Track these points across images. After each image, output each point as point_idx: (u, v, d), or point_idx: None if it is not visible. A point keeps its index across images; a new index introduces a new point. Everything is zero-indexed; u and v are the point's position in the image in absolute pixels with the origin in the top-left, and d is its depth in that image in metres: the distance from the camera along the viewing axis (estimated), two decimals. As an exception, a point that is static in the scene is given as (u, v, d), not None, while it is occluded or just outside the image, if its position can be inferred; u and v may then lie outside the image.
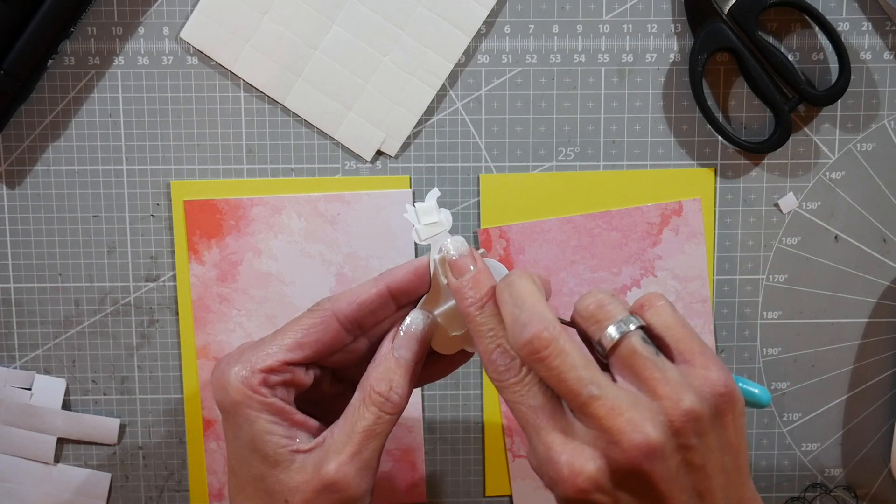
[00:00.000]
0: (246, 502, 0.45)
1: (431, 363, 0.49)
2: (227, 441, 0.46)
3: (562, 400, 0.41)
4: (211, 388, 0.46)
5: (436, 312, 0.47)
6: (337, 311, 0.46)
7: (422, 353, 0.47)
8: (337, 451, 0.44)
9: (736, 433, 0.41)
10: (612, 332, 0.41)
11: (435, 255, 0.46)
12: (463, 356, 0.49)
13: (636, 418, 0.38)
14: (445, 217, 0.47)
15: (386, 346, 0.46)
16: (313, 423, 0.46)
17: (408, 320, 0.47)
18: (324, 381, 0.48)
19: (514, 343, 0.40)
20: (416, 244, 0.57)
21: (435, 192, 0.48)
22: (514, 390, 0.41)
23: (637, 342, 0.40)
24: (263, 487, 0.44)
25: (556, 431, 0.40)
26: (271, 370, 0.44)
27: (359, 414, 0.45)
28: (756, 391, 0.44)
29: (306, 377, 0.46)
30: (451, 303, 0.47)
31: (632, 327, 0.41)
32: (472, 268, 0.44)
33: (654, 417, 0.39)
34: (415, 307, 0.47)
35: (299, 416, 0.45)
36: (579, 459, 0.39)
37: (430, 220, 0.47)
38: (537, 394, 0.41)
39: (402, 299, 0.47)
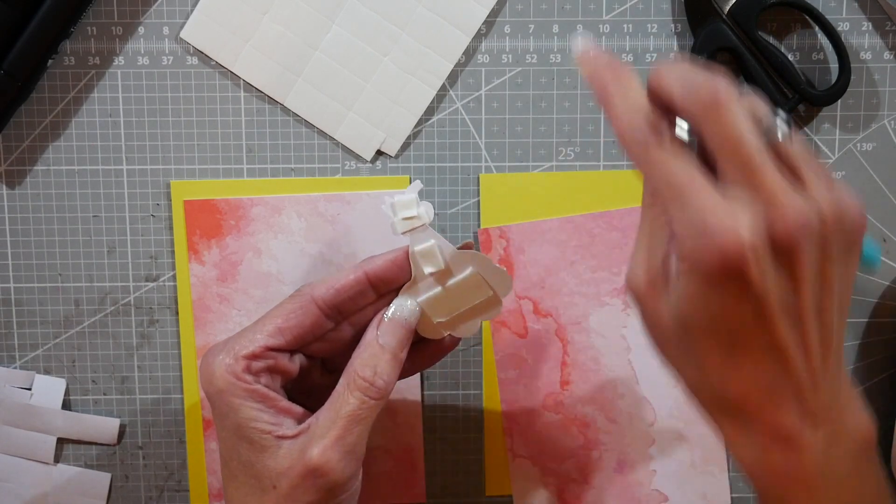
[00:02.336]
0: (238, 490, 0.46)
1: (419, 350, 0.50)
2: (217, 430, 0.46)
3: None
4: (199, 378, 0.46)
5: (419, 300, 0.48)
6: (316, 296, 0.46)
7: (406, 339, 0.47)
8: (321, 435, 0.44)
9: (850, 277, 0.38)
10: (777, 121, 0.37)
11: (415, 248, 0.47)
12: (451, 342, 0.50)
13: (797, 198, 0.35)
14: (426, 210, 0.47)
15: (370, 333, 0.47)
16: (298, 409, 0.46)
17: (392, 307, 0.47)
18: (314, 371, 0.49)
19: (692, 88, 0.36)
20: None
21: (416, 185, 0.47)
22: (662, 150, 0.37)
23: (790, 135, 0.37)
24: (253, 474, 0.45)
25: (713, 193, 0.35)
26: (254, 356, 0.45)
27: (343, 399, 0.45)
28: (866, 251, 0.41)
29: (291, 364, 0.46)
30: (434, 291, 0.48)
31: (779, 120, 0.37)
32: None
33: (811, 204, 0.35)
34: (397, 295, 0.48)
35: (284, 402, 0.45)
36: (737, 218, 0.35)
37: (408, 215, 0.47)
38: (689, 154, 0.37)
39: (381, 287, 0.47)
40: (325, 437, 0.44)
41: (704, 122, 0.36)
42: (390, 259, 0.47)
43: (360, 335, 0.48)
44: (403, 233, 0.47)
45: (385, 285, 0.47)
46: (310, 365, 0.48)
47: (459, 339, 0.50)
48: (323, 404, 0.46)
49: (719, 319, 0.36)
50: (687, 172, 0.36)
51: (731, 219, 0.35)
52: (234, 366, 0.44)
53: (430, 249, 0.47)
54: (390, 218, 0.47)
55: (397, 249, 0.47)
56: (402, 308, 0.47)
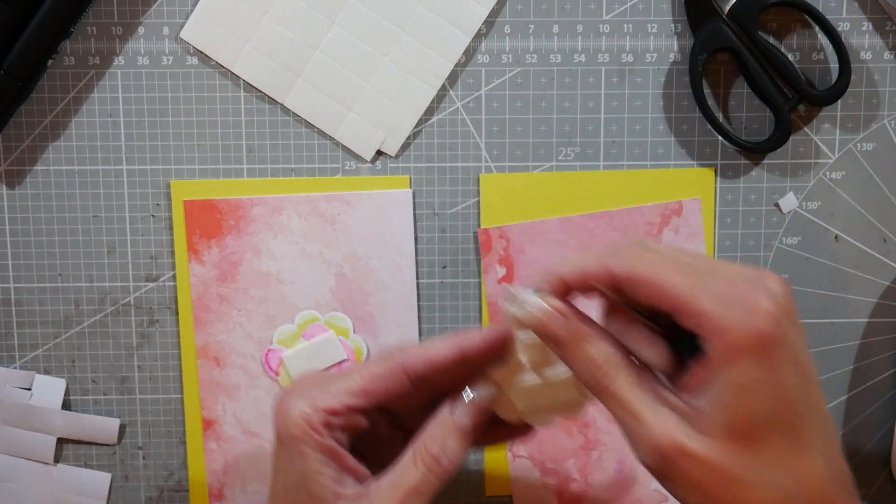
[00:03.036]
0: None
1: (494, 428, 0.48)
2: (276, 469, 0.45)
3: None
4: (272, 415, 0.45)
5: (507, 384, 0.46)
6: (407, 366, 0.45)
7: (481, 422, 0.46)
8: (379, 503, 0.43)
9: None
10: None
11: (521, 338, 0.45)
12: (526, 428, 0.48)
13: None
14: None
15: (446, 409, 0.45)
16: (364, 470, 0.45)
17: (474, 389, 0.46)
18: (381, 424, 0.48)
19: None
20: (415, 246, 0.58)
21: (542, 285, 0.44)
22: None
23: None
24: None
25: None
26: (333, 412, 0.44)
27: (407, 470, 0.44)
28: None
29: (364, 420, 0.45)
30: (525, 379, 0.46)
31: None
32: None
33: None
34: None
35: (351, 460, 0.44)
36: (762, 289, 0.38)
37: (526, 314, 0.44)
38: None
39: (473, 363, 0.46)
40: None
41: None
42: (490, 340, 0.45)
43: (435, 398, 0.46)
44: (512, 320, 0.44)
45: (478, 362, 0.46)
46: (379, 418, 0.47)
47: (533, 428, 0.48)
48: (383, 457, 0.46)
49: (778, 396, 0.37)
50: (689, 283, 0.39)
51: (758, 289, 0.38)
52: (312, 416, 0.43)
53: (538, 346, 0.45)
54: (506, 308, 0.44)
55: (496, 330, 0.45)
56: (483, 391, 0.45)
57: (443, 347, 0.45)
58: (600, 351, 0.41)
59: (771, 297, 0.38)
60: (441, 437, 0.44)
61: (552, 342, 0.42)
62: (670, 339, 0.41)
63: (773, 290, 0.38)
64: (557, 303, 0.42)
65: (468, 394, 0.45)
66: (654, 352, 0.41)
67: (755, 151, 0.57)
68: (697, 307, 0.38)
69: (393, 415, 0.48)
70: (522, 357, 0.45)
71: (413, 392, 0.45)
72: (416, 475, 0.44)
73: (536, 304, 0.43)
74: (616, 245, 0.42)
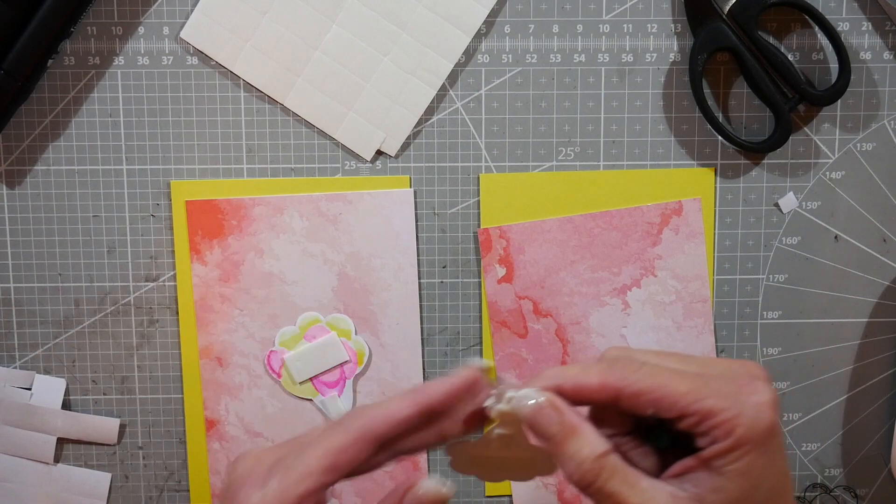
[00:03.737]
0: None
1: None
2: None
3: None
4: (221, 502, 0.43)
5: (469, 450, 0.45)
6: (370, 431, 0.42)
7: None
8: None
9: None
10: None
11: (499, 430, 0.43)
12: None
13: None
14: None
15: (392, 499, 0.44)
16: None
17: (422, 488, 0.43)
18: None
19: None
20: (417, 245, 0.58)
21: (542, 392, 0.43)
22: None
23: None
24: None
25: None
26: (302, 499, 0.41)
27: None
28: None
29: (329, 494, 0.43)
30: (489, 454, 0.45)
31: None
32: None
33: None
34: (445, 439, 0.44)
35: None
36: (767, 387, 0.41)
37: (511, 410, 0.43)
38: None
39: (434, 417, 0.43)
40: None
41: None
42: (447, 391, 0.43)
43: (391, 458, 0.44)
44: (497, 416, 0.43)
45: (438, 415, 0.43)
46: None
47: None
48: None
49: (773, 481, 0.40)
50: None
51: (756, 380, 0.40)
52: None
53: (511, 436, 0.43)
54: (492, 403, 0.43)
55: (453, 378, 0.43)
56: (428, 488, 0.43)
57: (403, 405, 0.42)
58: (595, 449, 0.40)
59: (767, 386, 0.40)
60: None
61: (543, 436, 0.41)
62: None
63: (764, 377, 0.40)
64: (552, 397, 0.41)
65: (414, 492, 0.43)
66: (639, 451, 0.43)
67: (755, 151, 0.57)
68: (708, 409, 0.39)
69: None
70: (493, 443, 0.44)
71: (374, 454, 0.43)
72: None
73: (530, 397, 0.41)
74: (604, 360, 0.42)
